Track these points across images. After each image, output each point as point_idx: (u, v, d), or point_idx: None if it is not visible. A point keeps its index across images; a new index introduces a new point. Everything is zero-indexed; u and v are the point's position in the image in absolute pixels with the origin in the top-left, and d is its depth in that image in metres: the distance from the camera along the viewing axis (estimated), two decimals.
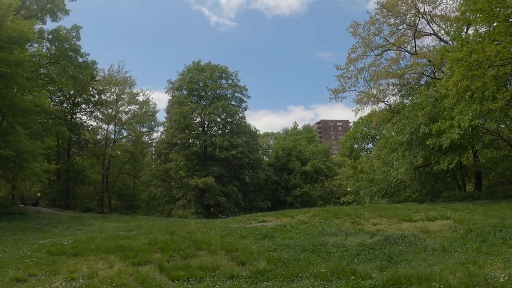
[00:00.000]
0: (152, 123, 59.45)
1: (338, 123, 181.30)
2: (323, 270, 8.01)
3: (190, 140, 43.68)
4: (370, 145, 54.16)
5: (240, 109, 45.74)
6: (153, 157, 52.37)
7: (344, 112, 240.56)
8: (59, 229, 19.05)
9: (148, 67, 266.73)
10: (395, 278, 7.17)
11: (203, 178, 38.21)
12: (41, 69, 36.56)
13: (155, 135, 60.83)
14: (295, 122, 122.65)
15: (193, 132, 41.76)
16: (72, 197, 49.62)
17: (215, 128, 45.14)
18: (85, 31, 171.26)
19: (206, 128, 44.49)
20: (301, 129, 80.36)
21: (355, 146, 54.32)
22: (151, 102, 58.33)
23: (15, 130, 28.55)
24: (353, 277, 7.58)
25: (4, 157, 23.63)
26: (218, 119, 43.67)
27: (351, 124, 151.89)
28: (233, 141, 41.38)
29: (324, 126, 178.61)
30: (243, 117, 45.73)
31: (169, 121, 43.79)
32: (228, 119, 44.36)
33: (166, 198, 44.45)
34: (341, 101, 36.50)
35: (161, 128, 62.50)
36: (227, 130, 44.40)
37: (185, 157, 40.45)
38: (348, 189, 57.99)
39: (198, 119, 44.53)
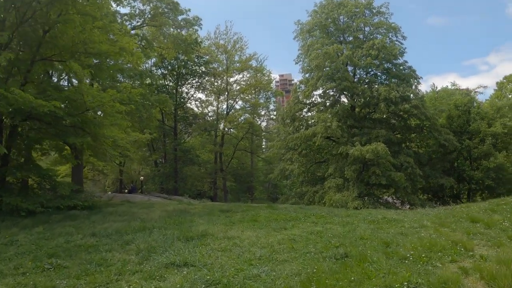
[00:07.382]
0: (269, 93, 49.46)
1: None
2: None
3: (337, 95, 31.43)
4: None
5: (398, 53, 32.35)
6: (277, 129, 41.98)
7: (460, 82, 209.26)
8: (122, 259, 8.32)
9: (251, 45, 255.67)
10: None
11: (368, 146, 25.97)
12: (133, 30, 28.22)
13: (272, 107, 51.03)
14: (433, 84, 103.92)
15: (343, 83, 29.15)
16: (180, 179, 41.65)
17: (371, 76, 32.13)
18: None
19: (358, 77, 31.99)
20: (440, 91, 64.18)
21: None
22: (265, 70, 48.25)
23: (79, 80, 17.30)
24: None
25: (54, 116, 14.26)
26: (374, 65, 30.60)
27: (480, 91, 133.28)
28: (402, 91, 28.40)
29: None
30: (406, 62, 32.31)
31: (305, 71, 32.13)
32: (386, 65, 31.31)
33: (305, 177, 33.02)
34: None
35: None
36: (385, 80, 31.43)
37: (336, 117, 28.47)
38: None
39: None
